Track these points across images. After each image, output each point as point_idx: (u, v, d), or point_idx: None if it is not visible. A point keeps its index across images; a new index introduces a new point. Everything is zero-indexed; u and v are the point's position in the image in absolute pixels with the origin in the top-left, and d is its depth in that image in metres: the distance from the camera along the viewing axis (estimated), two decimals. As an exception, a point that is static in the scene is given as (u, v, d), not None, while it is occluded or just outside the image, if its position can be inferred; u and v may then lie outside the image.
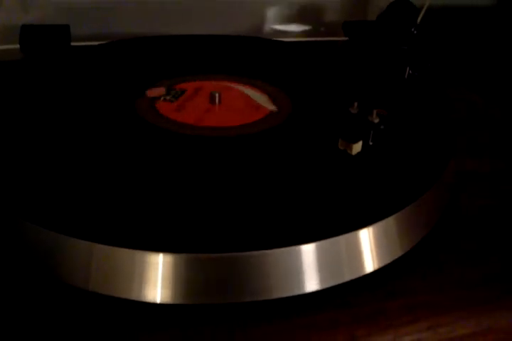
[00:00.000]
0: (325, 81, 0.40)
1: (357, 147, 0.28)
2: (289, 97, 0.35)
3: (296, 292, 0.23)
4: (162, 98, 0.34)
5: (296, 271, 0.23)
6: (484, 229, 0.29)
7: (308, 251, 0.23)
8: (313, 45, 0.58)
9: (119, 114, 0.33)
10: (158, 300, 0.22)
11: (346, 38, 0.57)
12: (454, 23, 0.65)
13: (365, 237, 0.24)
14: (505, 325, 0.23)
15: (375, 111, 0.29)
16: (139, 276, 0.22)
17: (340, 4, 0.63)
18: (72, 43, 0.49)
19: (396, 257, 0.25)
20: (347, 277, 0.24)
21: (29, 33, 0.48)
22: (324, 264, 0.23)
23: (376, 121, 0.28)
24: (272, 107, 0.33)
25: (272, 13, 0.61)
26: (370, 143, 0.28)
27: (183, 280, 0.22)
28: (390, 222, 0.25)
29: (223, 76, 0.38)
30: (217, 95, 0.34)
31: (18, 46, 0.48)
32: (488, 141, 0.38)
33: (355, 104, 0.29)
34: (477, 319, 0.23)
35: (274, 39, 0.52)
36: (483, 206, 0.30)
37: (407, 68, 0.44)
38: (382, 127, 0.29)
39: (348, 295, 0.24)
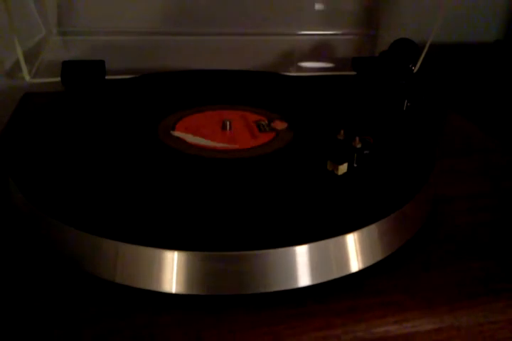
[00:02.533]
0: (326, 111, 0.42)
1: (343, 168, 0.31)
2: (291, 126, 0.38)
3: (291, 286, 0.26)
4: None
5: (291, 268, 0.26)
6: (460, 239, 0.31)
7: (302, 251, 0.26)
8: (324, 79, 0.60)
9: (143, 137, 0.36)
10: (173, 291, 0.25)
11: (355, 73, 0.59)
12: (460, 59, 0.68)
13: (351, 241, 0.27)
14: (465, 323, 0.25)
15: (357, 138, 0.31)
16: (157, 270, 0.25)
17: (351, 41, 0.65)
18: (107, 77, 0.52)
19: (377, 260, 0.28)
20: (334, 275, 0.26)
21: (69, 68, 0.51)
22: (315, 263, 0.26)
23: (358, 146, 0.31)
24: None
25: (287, 49, 0.64)
26: (355, 165, 0.32)
27: (195, 274, 0.25)
28: (372, 228, 0.27)
29: (236, 106, 0.42)
30: (228, 123, 0.37)
31: (59, 79, 0.50)
32: (469, 167, 0.41)
33: (342, 131, 0.33)
34: (440, 317, 0.25)
35: (286, 74, 0.54)
36: (462, 222, 0.33)
37: (405, 101, 0.47)
38: (366, 152, 0.32)
39: (332, 291, 0.26)
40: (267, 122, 0.38)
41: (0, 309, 0.24)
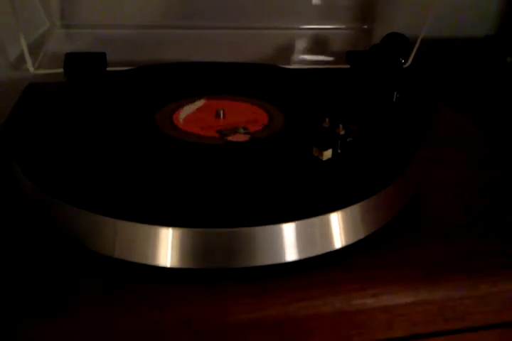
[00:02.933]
0: (317, 102, 0.44)
1: (327, 154, 0.33)
2: (283, 113, 0.40)
3: (278, 261, 0.27)
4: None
5: (278, 244, 0.27)
6: (439, 221, 0.33)
7: (289, 228, 0.27)
8: (318, 72, 0.61)
9: (142, 124, 0.38)
10: (168, 265, 0.27)
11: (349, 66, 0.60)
12: (451, 53, 0.70)
13: (335, 220, 0.28)
14: (439, 298, 0.27)
15: (341, 126, 0.33)
16: (153, 246, 0.27)
17: (347, 35, 0.67)
18: (108, 68, 0.53)
19: (359, 238, 0.29)
20: (319, 251, 0.28)
21: (72, 60, 0.52)
22: (301, 240, 0.28)
23: (342, 133, 0.33)
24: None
25: (284, 43, 0.65)
26: (339, 151, 0.33)
27: (188, 249, 0.27)
28: (354, 208, 0.29)
29: (230, 96, 0.43)
30: (221, 111, 0.39)
31: (62, 70, 0.52)
32: (458, 156, 0.42)
33: (327, 119, 0.34)
34: (416, 291, 0.27)
35: (281, 66, 0.56)
36: (444, 205, 0.35)
37: (395, 92, 0.48)
38: (350, 139, 0.33)
39: (316, 266, 0.28)
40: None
41: (5, 283, 0.26)
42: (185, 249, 0.27)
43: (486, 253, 0.30)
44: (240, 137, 0.36)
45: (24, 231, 0.30)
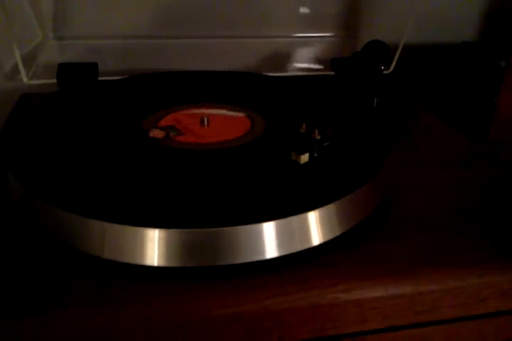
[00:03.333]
0: (298, 108, 0.46)
1: (304, 158, 0.34)
2: (265, 120, 0.42)
3: (259, 258, 0.29)
4: (170, 134, 0.38)
5: (260, 242, 0.29)
6: (410, 219, 0.35)
7: (269, 227, 0.29)
8: (305, 79, 0.63)
9: (130, 130, 0.39)
10: (155, 264, 0.28)
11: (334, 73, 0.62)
12: (433, 59, 0.72)
13: (312, 218, 0.30)
14: (408, 292, 0.29)
15: (316, 131, 0.35)
16: (140, 246, 0.28)
17: (332, 43, 0.68)
18: (100, 78, 0.54)
19: (335, 235, 0.31)
20: (297, 248, 0.30)
21: (64, 70, 0.54)
22: (281, 237, 0.29)
23: (318, 138, 0.35)
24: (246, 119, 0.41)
25: (272, 51, 0.67)
26: (315, 155, 0.35)
27: (173, 248, 0.28)
28: (330, 207, 0.31)
29: (216, 104, 0.45)
30: (206, 119, 0.40)
31: (55, 81, 0.53)
32: (434, 158, 0.44)
33: (304, 124, 0.36)
34: (385, 286, 0.29)
35: (268, 74, 0.57)
36: (415, 204, 0.37)
37: (375, 98, 0.50)
38: (326, 144, 0.35)
39: (295, 262, 0.30)
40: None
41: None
42: (171, 249, 0.29)
43: (454, 250, 0.32)
44: (159, 134, 0.38)
45: (16, 235, 0.31)
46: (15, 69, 0.58)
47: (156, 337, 0.27)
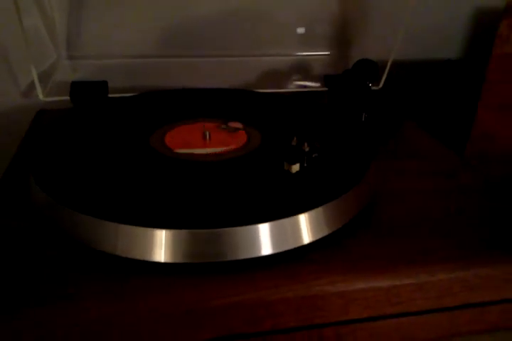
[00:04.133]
0: (291, 123, 0.49)
1: (295, 167, 0.38)
2: (261, 134, 0.46)
3: (255, 255, 0.32)
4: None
5: (256, 241, 0.32)
6: (391, 223, 0.38)
7: (264, 228, 0.33)
8: (299, 95, 0.67)
9: (138, 142, 0.43)
10: (162, 260, 0.32)
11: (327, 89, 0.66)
12: (421, 75, 0.76)
13: (303, 220, 0.34)
14: (385, 285, 0.33)
15: (306, 143, 0.39)
16: (149, 244, 0.32)
17: (325, 61, 0.72)
18: (110, 95, 0.58)
19: (323, 235, 0.35)
20: (289, 246, 0.33)
21: (77, 88, 0.57)
22: (274, 237, 0.33)
23: (307, 149, 0.39)
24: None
25: (268, 69, 0.70)
26: (305, 165, 0.39)
27: (179, 246, 0.32)
28: (319, 211, 0.34)
29: (215, 119, 0.49)
30: (207, 133, 0.44)
31: (69, 98, 0.57)
32: (419, 168, 0.48)
33: (295, 138, 0.40)
34: (366, 280, 0.32)
35: (264, 91, 0.61)
36: (397, 209, 0.40)
37: (363, 113, 0.54)
38: (315, 155, 0.39)
39: (287, 259, 0.33)
40: (225, 125, 0.45)
41: (20, 279, 0.31)
42: (176, 247, 0.32)
43: (427, 250, 0.35)
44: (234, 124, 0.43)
45: (37, 235, 0.35)
46: (30, 87, 0.63)
47: (163, 324, 0.30)
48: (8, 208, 0.38)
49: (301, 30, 0.71)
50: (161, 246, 0.32)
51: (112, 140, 0.44)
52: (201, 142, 0.44)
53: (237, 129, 0.45)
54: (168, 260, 0.32)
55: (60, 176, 0.38)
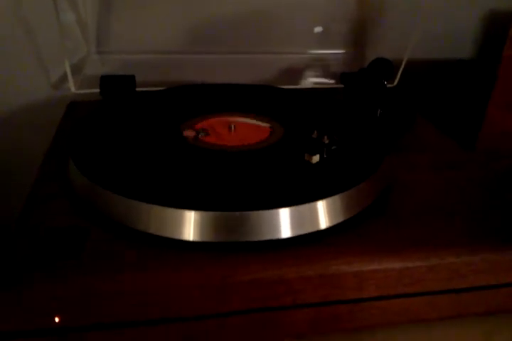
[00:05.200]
0: (311, 117, 0.52)
1: (315, 158, 0.41)
2: (283, 127, 0.48)
3: (276, 237, 0.35)
4: (199, 135, 0.45)
5: (277, 224, 0.35)
6: (402, 211, 0.41)
7: (285, 212, 0.35)
8: (317, 92, 0.68)
9: (168, 132, 0.46)
10: (191, 239, 0.34)
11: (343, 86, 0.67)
12: (434, 74, 0.77)
13: (321, 207, 0.36)
14: (397, 267, 0.35)
15: (325, 136, 0.41)
16: (179, 224, 0.34)
17: (342, 59, 0.74)
18: (137, 89, 0.60)
19: (339, 221, 0.37)
20: (307, 230, 0.36)
21: (106, 81, 0.59)
22: (294, 221, 0.35)
23: (326, 142, 0.41)
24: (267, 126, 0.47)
25: (287, 66, 0.72)
26: (324, 156, 0.41)
27: (207, 227, 0.34)
28: (336, 198, 0.37)
29: (240, 113, 0.51)
30: (233, 126, 0.47)
31: (98, 90, 0.59)
32: (429, 161, 0.50)
33: (315, 131, 0.42)
34: (379, 262, 0.34)
35: (285, 87, 0.63)
36: (409, 200, 0.43)
37: (378, 109, 0.56)
38: (334, 147, 0.42)
39: (305, 241, 0.35)
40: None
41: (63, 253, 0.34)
42: (204, 227, 0.35)
43: (437, 235, 0.37)
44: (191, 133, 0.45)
45: (76, 216, 0.37)
46: (61, 80, 0.65)
47: (190, 296, 0.33)
48: (49, 190, 0.40)
49: (318, 29, 0.72)
50: (190, 226, 0.35)
51: (142, 130, 0.47)
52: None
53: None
54: (196, 239, 0.35)
55: (98, 161, 0.41)
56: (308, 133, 0.43)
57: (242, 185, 0.38)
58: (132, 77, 0.61)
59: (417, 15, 0.65)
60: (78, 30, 0.64)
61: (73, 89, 0.59)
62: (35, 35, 0.63)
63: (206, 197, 0.36)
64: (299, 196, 0.36)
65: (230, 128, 0.47)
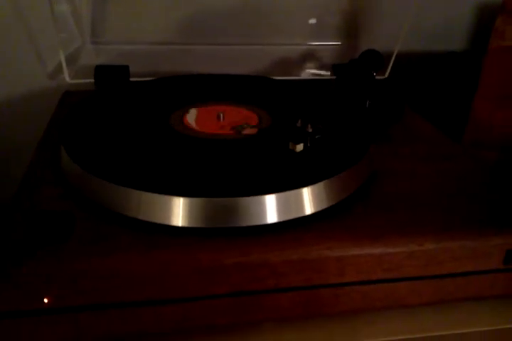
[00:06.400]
0: (299, 107, 0.53)
1: (299, 147, 0.42)
2: (271, 117, 0.49)
3: (262, 222, 0.36)
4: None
5: (263, 209, 0.36)
6: (384, 198, 0.42)
7: (271, 198, 0.36)
8: (308, 82, 0.69)
9: (159, 121, 0.47)
10: (180, 224, 0.35)
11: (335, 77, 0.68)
12: (425, 66, 0.79)
13: (306, 193, 0.37)
14: (377, 252, 0.36)
15: (309, 125, 0.42)
16: (168, 210, 0.35)
17: (334, 50, 0.75)
18: (131, 79, 0.61)
19: (323, 208, 0.38)
20: (292, 216, 0.37)
21: (100, 71, 0.60)
22: (280, 207, 0.36)
23: (310, 131, 0.42)
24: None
25: (280, 57, 0.73)
26: (308, 145, 0.42)
27: (196, 213, 0.35)
28: (320, 185, 0.38)
29: (229, 102, 0.52)
30: (221, 114, 0.48)
31: (92, 80, 0.60)
32: (414, 152, 0.51)
33: (299, 120, 0.43)
34: (361, 246, 0.36)
35: (276, 78, 0.64)
36: (390, 188, 0.44)
37: (367, 100, 0.57)
38: (318, 136, 0.43)
39: (290, 227, 0.37)
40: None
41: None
42: (192, 213, 0.36)
43: (416, 222, 0.38)
44: (250, 131, 0.46)
45: (68, 203, 0.38)
46: (57, 70, 0.66)
47: (178, 278, 0.34)
48: (42, 177, 0.42)
49: (312, 21, 0.73)
50: (179, 212, 0.36)
51: (134, 118, 0.48)
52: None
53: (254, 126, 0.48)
54: (185, 224, 0.36)
55: (89, 149, 0.42)
56: (293, 122, 0.44)
57: (229, 173, 0.39)
58: (126, 67, 0.62)
59: (408, 8, 0.66)
60: (73, 20, 0.65)
61: (68, 79, 0.60)
62: (30, 26, 0.63)
63: (195, 184, 0.37)
64: (284, 183, 0.37)
65: (218, 116, 0.48)
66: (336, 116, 0.51)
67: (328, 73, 0.74)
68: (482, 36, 0.77)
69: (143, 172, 0.38)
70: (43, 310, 0.33)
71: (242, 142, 0.44)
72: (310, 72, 0.76)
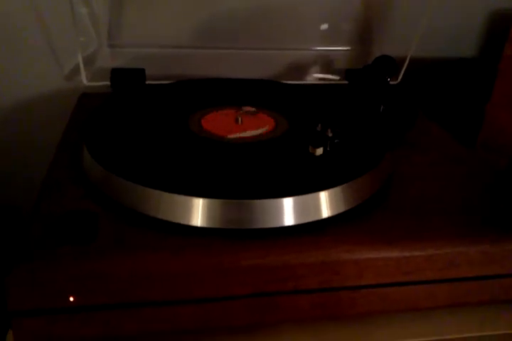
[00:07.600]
0: (315, 111, 0.53)
1: (319, 151, 0.42)
2: (288, 121, 0.50)
3: (280, 224, 0.36)
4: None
5: (281, 212, 0.36)
6: (400, 203, 0.42)
7: (289, 201, 0.36)
8: (322, 87, 0.70)
9: (177, 126, 0.47)
10: (199, 225, 0.36)
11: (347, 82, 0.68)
12: (437, 72, 0.79)
13: (323, 197, 0.37)
14: (395, 256, 0.36)
15: (329, 130, 0.43)
16: (188, 211, 0.36)
17: (347, 55, 0.75)
18: (147, 82, 0.61)
19: (340, 211, 0.38)
20: (310, 219, 0.37)
21: (116, 74, 0.60)
22: (297, 210, 0.37)
23: (330, 135, 0.42)
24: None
25: (293, 62, 0.73)
26: (328, 149, 0.43)
27: (214, 214, 0.36)
28: (338, 189, 0.38)
29: (248, 107, 0.52)
30: (240, 118, 0.48)
31: (109, 83, 0.60)
32: (429, 158, 0.51)
33: (319, 125, 0.43)
34: (378, 250, 0.36)
35: (291, 82, 0.65)
36: (406, 194, 0.44)
37: (381, 105, 0.57)
38: (337, 140, 0.43)
39: (307, 230, 0.37)
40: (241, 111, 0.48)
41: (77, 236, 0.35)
42: (211, 214, 0.36)
43: (434, 227, 0.39)
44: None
45: (89, 202, 0.39)
46: (73, 72, 0.66)
47: (196, 278, 0.34)
48: (63, 177, 0.42)
49: (324, 26, 0.73)
50: (198, 212, 0.36)
51: (153, 121, 0.48)
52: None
53: (254, 112, 0.49)
54: (204, 225, 0.36)
55: (111, 149, 0.42)
56: (313, 127, 0.44)
57: (248, 175, 0.39)
58: (142, 71, 0.62)
59: (421, 15, 0.66)
60: (90, 23, 0.65)
61: (85, 82, 0.61)
62: (49, 28, 0.64)
63: (214, 185, 0.37)
64: (303, 187, 0.38)
65: (237, 120, 0.48)
66: (352, 121, 0.51)
67: (339, 78, 0.75)
68: (494, 43, 0.77)
69: (164, 173, 0.39)
70: (68, 309, 0.33)
71: (262, 145, 0.44)
72: (322, 76, 0.76)
